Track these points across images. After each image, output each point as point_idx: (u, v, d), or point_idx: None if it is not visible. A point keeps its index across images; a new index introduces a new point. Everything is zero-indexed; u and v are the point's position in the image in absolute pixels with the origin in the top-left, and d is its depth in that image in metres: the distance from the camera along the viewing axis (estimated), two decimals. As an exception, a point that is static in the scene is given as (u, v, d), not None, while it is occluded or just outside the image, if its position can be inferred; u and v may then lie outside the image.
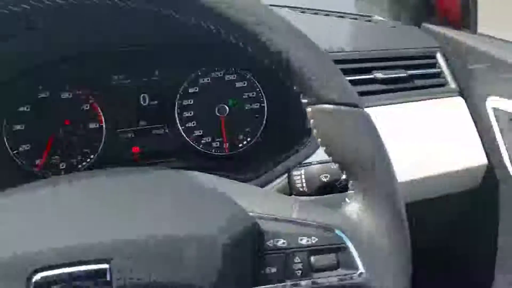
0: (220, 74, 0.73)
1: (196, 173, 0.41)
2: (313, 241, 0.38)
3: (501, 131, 0.64)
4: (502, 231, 0.73)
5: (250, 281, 0.37)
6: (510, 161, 0.64)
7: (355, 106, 0.38)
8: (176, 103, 0.72)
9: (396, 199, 0.39)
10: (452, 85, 0.72)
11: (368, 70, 0.70)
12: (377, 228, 0.38)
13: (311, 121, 0.38)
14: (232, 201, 0.38)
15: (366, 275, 0.38)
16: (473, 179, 0.72)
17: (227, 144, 0.74)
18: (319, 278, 0.38)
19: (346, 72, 0.73)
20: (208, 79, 0.73)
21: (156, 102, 0.72)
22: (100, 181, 0.39)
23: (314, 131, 0.39)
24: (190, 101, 0.73)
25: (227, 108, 0.73)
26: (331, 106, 0.37)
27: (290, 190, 0.56)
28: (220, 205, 0.38)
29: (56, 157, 0.70)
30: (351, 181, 0.39)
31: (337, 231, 0.38)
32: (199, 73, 0.73)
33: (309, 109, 0.38)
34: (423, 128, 0.69)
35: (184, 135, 0.73)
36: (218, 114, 0.73)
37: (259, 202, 0.39)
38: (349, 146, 0.38)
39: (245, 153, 0.74)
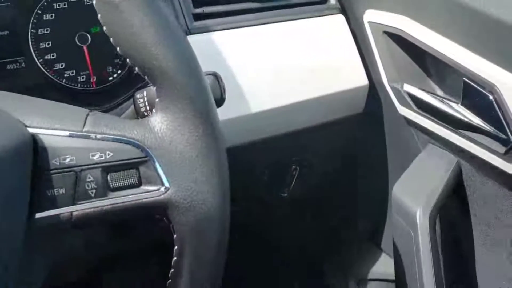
0: (79, -3, 0.65)
1: None
2: (108, 157, 0.33)
3: (377, 46, 0.61)
4: (390, 157, 0.72)
5: (30, 206, 0.31)
6: (387, 79, 0.61)
7: None
8: (30, 32, 0.64)
9: (206, 106, 0.34)
10: (332, 1, 0.67)
11: (240, -13, 0.64)
12: (183, 139, 0.34)
13: (99, 16, 0.33)
14: (4, 112, 0.32)
15: (172, 191, 0.33)
16: (357, 102, 0.69)
17: (95, 77, 0.67)
18: (117, 197, 0.33)
19: (214, -11, 0.67)
20: (64, 4, 0.65)
21: (5, 32, 0.63)
22: None
23: (104, 28, 0.33)
24: (46, 30, 0.64)
25: (88, 36, 0.65)
26: None
27: (136, 115, 0.50)
28: None
29: None
30: (155, 87, 0.34)
31: (136, 144, 0.33)
32: (53, -3, 0.64)
33: (94, 2, 0.33)
34: (302, 49, 0.65)
35: (43, 69, 0.65)
36: (79, 43, 0.65)
37: (42, 114, 0.33)
38: (141, 42, 0.32)
39: (115, 86, 0.67)
